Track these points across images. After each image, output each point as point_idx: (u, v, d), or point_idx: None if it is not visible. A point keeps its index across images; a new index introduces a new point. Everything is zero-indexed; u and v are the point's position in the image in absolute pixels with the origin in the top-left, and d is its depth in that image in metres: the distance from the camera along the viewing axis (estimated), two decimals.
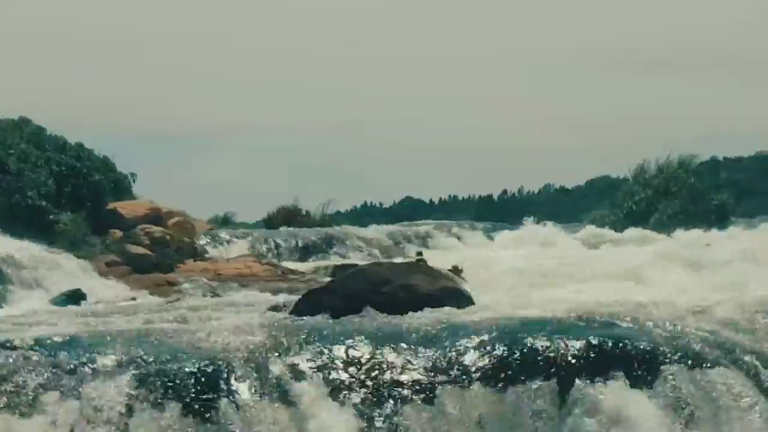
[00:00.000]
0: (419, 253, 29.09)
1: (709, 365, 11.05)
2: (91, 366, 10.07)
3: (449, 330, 11.74)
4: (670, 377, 10.83)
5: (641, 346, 11.24)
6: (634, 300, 15.56)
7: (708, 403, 10.61)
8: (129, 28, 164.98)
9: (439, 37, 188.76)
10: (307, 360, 10.72)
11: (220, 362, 10.33)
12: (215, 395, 9.84)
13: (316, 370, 10.56)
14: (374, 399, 10.29)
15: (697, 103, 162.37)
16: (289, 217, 42.58)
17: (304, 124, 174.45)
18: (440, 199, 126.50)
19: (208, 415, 9.64)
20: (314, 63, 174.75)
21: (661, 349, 11.22)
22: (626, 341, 11.32)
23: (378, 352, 10.92)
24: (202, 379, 9.98)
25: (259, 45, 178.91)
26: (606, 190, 62.06)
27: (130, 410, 9.49)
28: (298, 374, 10.44)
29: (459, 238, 39.29)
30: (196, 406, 9.69)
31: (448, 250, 35.98)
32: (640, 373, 10.86)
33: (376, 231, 39.30)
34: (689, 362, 11.06)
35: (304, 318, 13.33)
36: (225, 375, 10.12)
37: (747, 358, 11.45)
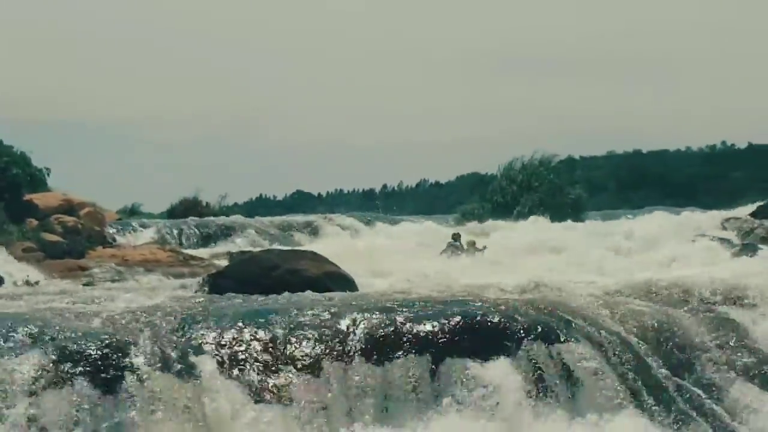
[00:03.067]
0: (455, 235, 28.56)
1: (563, 339, 11.20)
2: (4, 343, 9.87)
3: (333, 310, 11.72)
4: (530, 351, 10.95)
5: (504, 323, 11.34)
6: (497, 282, 15.75)
7: (562, 374, 10.77)
8: (39, 25, 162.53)
9: (325, 38, 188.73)
10: (205, 337, 10.63)
11: (125, 340, 10.18)
12: (120, 370, 9.69)
13: (213, 346, 10.47)
14: (266, 372, 10.24)
15: (560, 105, 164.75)
16: (190, 208, 42.38)
17: (207, 120, 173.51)
18: (327, 192, 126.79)
19: (114, 389, 9.48)
20: (217, 62, 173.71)
21: (522, 326, 11.33)
22: (491, 319, 11.41)
23: (268, 329, 10.85)
24: (109, 356, 9.82)
25: (164, 44, 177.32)
26: (476, 185, 62.51)
27: (39, 386, 9.30)
28: (196, 350, 10.35)
29: (343, 228, 39.29)
30: (103, 381, 9.52)
31: (336, 238, 36.04)
32: (503, 347, 10.96)
33: (269, 221, 39.23)
34: (546, 337, 11.20)
35: (203, 299, 13.27)
36: (129, 352, 9.96)
37: (596, 333, 11.64)
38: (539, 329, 11.30)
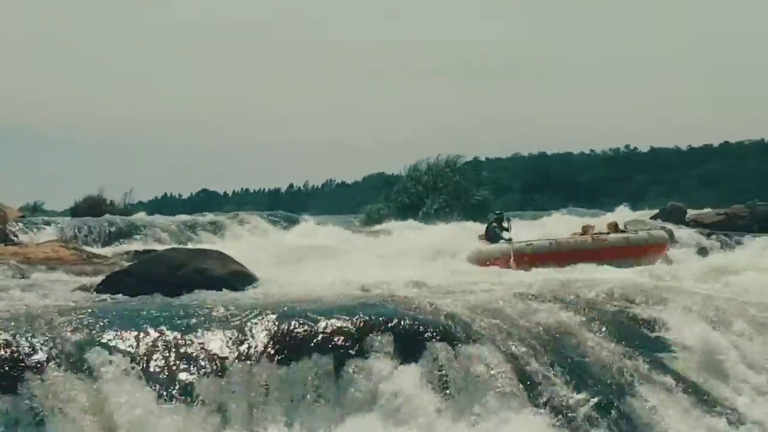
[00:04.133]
0: (498, 214, 28.15)
1: (466, 341, 11.27)
2: None
3: (238, 309, 11.67)
4: (434, 352, 10.99)
5: (408, 324, 11.38)
6: (402, 281, 15.82)
7: (463, 375, 10.82)
8: None
9: (236, 43, 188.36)
10: (108, 337, 10.48)
11: (25, 339, 10.03)
12: (21, 371, 9.52)
13: (116, 346, 10.33)
14: (170, 372, 10.13)
15: (467, 108, 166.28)
16: (94, 206, 42.05)
17: (110, 122, 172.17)
18: (233, 191, 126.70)
19: (14, 389, 9.32)
20: (122, 62, 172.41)
21: (426, 326, 11.38)
22: (395, 319, 11.45)
23: (173, 329, 10.76)
24: (8, 356, 9.67)
25: (69, 43, 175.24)
26: (382, 185, 62.76)
27: None
28: (98, 350, 10.17)
29: (249, 227, 39.23)
30: (3, 382, 9.38)
31: (241, 238, 35.99)
32: (407, 348, 10.99)
33: (174, 220, 39.08)
34: (450, 338, 11.26)
35: (106, 298, 13.14)
36: (31, 351, 9.82)
37: (499, 334, 11.73)
38: (443, 330, 11.36)
